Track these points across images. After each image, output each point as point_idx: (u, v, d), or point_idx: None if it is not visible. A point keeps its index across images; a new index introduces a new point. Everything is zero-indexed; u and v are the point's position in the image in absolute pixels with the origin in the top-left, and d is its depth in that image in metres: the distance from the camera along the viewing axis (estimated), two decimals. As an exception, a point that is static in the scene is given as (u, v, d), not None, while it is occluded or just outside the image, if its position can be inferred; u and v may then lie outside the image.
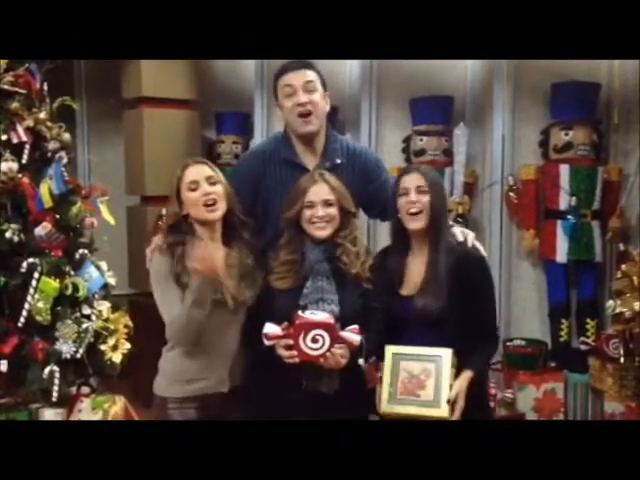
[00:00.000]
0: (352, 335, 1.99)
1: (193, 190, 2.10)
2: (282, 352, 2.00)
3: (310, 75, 2.32)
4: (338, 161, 2.34)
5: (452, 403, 1.97)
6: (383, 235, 3.72)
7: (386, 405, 2.03)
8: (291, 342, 1.97)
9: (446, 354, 2.02)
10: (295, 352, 1.98)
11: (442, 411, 1.97)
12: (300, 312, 2.02)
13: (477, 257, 2.15)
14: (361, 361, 2.07)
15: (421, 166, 2.32)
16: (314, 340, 1.96)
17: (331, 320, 1.99)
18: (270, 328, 2.00)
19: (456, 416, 1.97)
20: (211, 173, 2.13)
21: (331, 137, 2.39)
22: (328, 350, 1.97)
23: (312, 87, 2.31)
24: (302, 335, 1.96)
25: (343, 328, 2.01)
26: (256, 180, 2.35)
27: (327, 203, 2.12)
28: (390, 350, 2.07)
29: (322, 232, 2.12)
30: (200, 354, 2.13)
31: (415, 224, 2.09)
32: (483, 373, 2.19)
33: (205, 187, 2.10)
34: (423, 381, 2.02)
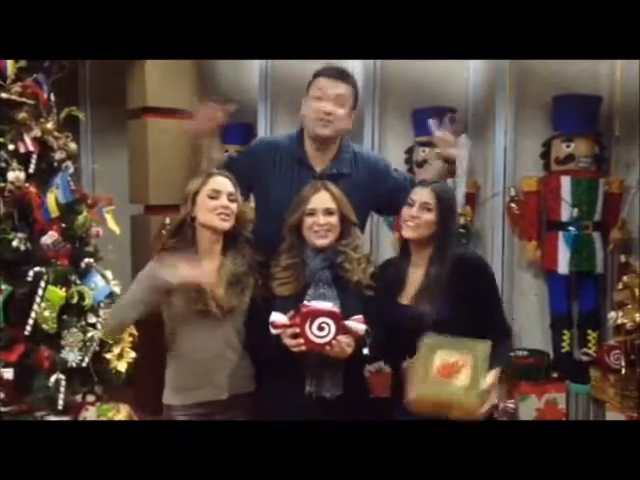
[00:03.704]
0: (357, 324, 2.02)
1: (212, 198, 2.14)
2: (288, 341, 2.01)
3: (345, 89, 2.34)
4: (345, 170, 2.37)
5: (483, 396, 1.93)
6: (387, 244, 3.76)
7: (420, 387, 1.95)
8: (297, 331, 1.99)
9: (486, 346, 1.97)
10: (301, 340, 1.99)
11: (476, 398, 1.91)
12: (306, 301, 2.05)
13: (474, 257, 2.20)
14: (365, 350, 2.07)
15: (439, 182, 2.32)
16: (320, 328, 1.98)
17: (336, 309, 2.02)
18: (277, 317, 2.03)
19: (485, 409, 1.93)
20: (232, 190, 2.18)
21: (344, 147, 2.41)
22: (333, 338, 1.99)
23: (342, 101, 2.33)
24: (308, 323, 1.98)
25: None
26: (261, 169, 2.38)
27: (328, 212, 2.15)
28: (426, 341, 2.00)
29: (323, 240, 2.14)
30: (193, 363, 2.16)
31: (406, 232, 2.13)
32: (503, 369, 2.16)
33: (224, 200, 2.14)
34: (460, 367, 1.97)
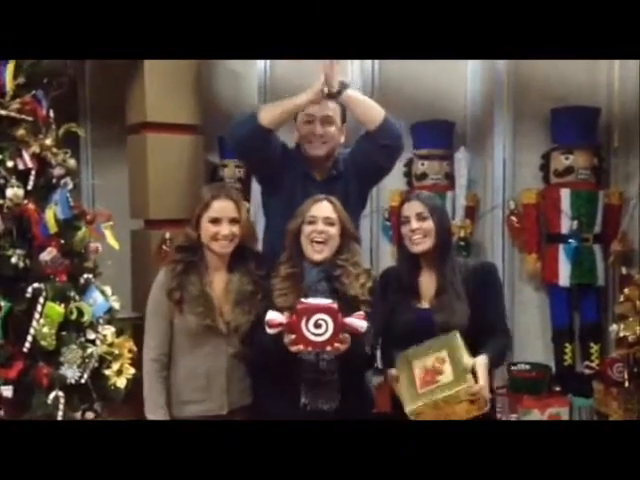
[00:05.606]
0: (358, 321, 1.94)
1: (213, 224, 2.16)
2: (290, 345, 1.98)
3: (331, 108, 2.42)
4: (341, 168, 2.48)
5: (473, 374, 1.93)
6: (386, 257, 3.76)
7: (409, 404, 1.95)
8: (293, 335, 1.94)
9: (454, 335, 1.99)
10: (298, 343, 1.93)
11: (467, 382, 1.89)
12: (303, 298, 1.99)
13: (486, 264, 2.30)
14: (367, 349, 2.06)
15: (421, 192, 2.39)
16: (317, 325, 1.90)
17: (334, 305, 1.93)
18: (272, 315, 1.96)
19: (481, 385, 1.92)
20: (234, 215, 2.18)
21: (338, 155, 2.52)
22: (333, 336, 1.90)
23: (330, 120, 2.43)
24: (304, 320, 1.90)
25: None
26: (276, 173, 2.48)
27: (328, 221, 2.16)
28: (402, 356, 2.05)
29: (319, 255, 2.15)
30: (196, 377, 2.17)
31: (419, 247, 2.16)
32: (497, 363, 2.17)
33: (225, 227, 2.17)
34: (439, 368, 1.95)
